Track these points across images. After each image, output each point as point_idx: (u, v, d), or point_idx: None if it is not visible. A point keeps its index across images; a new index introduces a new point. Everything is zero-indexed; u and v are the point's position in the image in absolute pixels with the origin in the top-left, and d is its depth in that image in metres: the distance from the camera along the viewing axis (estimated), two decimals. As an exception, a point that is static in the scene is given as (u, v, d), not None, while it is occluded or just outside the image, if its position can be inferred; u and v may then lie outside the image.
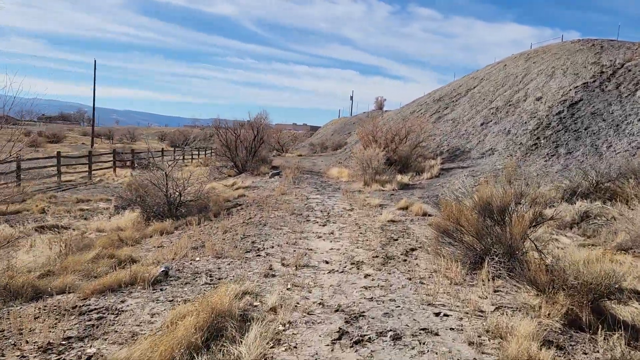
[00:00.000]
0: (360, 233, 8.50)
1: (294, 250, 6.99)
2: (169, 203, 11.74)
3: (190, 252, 6.98)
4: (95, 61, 53.89)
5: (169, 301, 4.66)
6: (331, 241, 7.81)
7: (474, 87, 24.20)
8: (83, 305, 4.59)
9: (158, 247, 8.39)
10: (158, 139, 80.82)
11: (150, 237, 9.64)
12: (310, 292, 5.07)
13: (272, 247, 7.22)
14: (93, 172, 24.60)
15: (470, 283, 5.56)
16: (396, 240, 8.01)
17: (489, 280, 5.44)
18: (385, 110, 50.88)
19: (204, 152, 46.01)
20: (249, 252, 6.88)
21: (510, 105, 19.99)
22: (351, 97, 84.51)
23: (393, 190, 14.69)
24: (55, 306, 4.57)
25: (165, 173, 12.01)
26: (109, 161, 28.07)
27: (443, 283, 5.52)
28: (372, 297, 4.95)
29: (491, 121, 19.69)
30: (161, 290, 5.01)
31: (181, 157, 38.68)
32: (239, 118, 21.83)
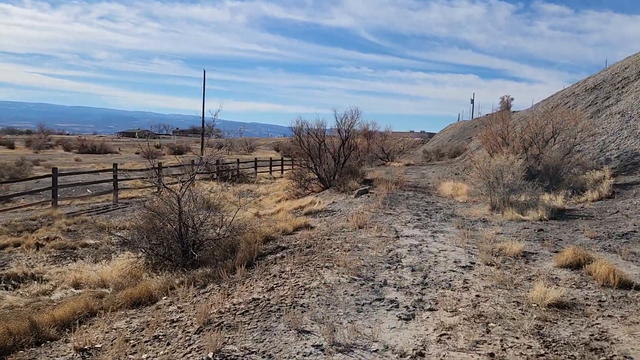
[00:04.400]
0: (491, 355, 3.57)
1: None
2: (183, 243, 7.68)
3: None
4: (204, 72, 53.65)
5: None
6: (413, 398, 3.02)
7: (650, 68, 17.39)
8: None
9: (82, 349, 4.35)
10: (274, 149, 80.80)
11: (115, 310, 5.69)
12: None
13: None
14: (171, 185, 21.95)
15: None
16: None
17: None
18: (513, 111, 43.65)
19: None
20: None
21: None
22: (472, 100, 76.52)
23: (540, 220, 9.24)
24: None
25: (178, 196, 7.97)
26: (196, 173, 25.46)
27: None
28: None
29: (689, 112, 13.15)
30: None
31: (279, 168, 35.43)
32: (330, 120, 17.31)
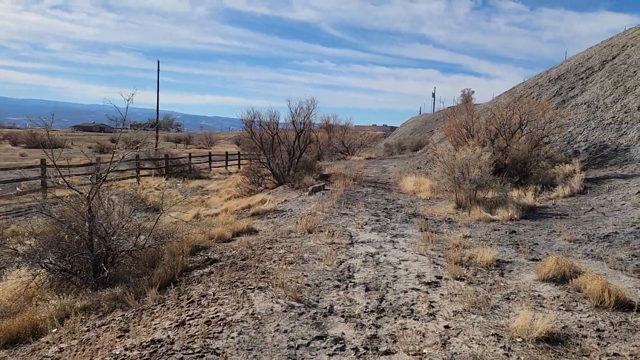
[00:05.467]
0: None
1: None
2: (94, 257, 6.32)
3: None
4: (158, 62, 51.49)
5: None
6: None
7: (614, 58, 16.86)
8: None
9: None
10: (235, 143, 79.09)
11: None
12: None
13: None
14: (114, 182, 20.18)
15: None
16: None
17: None
18: (475, 104, 43.40)
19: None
20: None
21: (687, 76, 12.73)
22: (433, 94, 76.67)
23: (511, 220, 8.31)
24: None
25: (89, 197, 6.59)
26: (142, 168, 23.66)
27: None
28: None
29: (656, 102, 12.56)
30: None
31: (237, 162, 33.88)
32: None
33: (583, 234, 6.98)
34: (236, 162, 33.88)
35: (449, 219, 8.76)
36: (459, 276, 5.18)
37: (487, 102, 32.43)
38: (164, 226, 7.20)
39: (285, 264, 5.58)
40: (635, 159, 10.79)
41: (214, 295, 4.64)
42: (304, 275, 5.13)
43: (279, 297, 4.44)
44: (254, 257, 6.02)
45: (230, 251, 6.53)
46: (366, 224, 8.14)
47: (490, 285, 4.96)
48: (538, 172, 11.16)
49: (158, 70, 51.19)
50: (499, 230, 7.64)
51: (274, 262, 5.72)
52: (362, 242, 6.82)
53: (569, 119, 14.23)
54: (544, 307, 4.33)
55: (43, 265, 6.29)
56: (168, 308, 4.53)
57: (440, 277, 5.19)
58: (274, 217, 9.45)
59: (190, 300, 4.61)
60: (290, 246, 6.48)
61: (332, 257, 5.82)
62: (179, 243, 6.57)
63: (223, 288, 4.83)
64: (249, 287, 4.77)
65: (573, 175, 10.69)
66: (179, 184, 21.08)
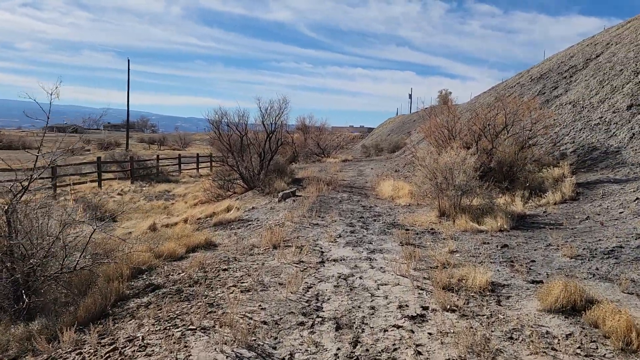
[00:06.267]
0: None
1: None
2: (13, 281, 5.25)
3: None
4: (129, 61, 49.97)
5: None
6: None
7: (598, 56, 16.35)
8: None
9: None
10: (210, 144, 77.38)
11: None
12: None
13: None
14: (74, 186, 18.84)
15: None
16: None
17: None
18: (453, 104, 42.91)
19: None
20: None
21: (675, 74, 12.16)
22: (410, 95, 76.29)
23: (501, 230, 7.48)
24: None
25: (7, 210, 5.49)
26: (106, 171, 22.31)
27: None
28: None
29: (645, 102, 11.95)
30: None
31: (208, 165, 32.65)
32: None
33: (584, 249, 6.17)
34: (208, 164, 32.68)
35: (431, 229, 7.90)
36: (449, 306, 4.30)
37: (465, 102, 31.97)
38: (103, 242, 6.15)
39: (242, 291, 4.62)
40: (628, 161, 10.11)
41: (143, 339, 3.64)
42: (262, 309, 4.17)
43: (225, 343, 3.48)
44: (204, 282, 5.03)
45: (179, 273, 5.52)
46: (340, 236, 7.22)
47: (488, 318, 4.09)
48: (525, 176, 10.41)
49: (128, 68, 49.66)
50: (488, 243, 6.79)
51: (228, 288, 4.75)
52: (334, 260, 5.89)
53: (554, 120, 13.57)
54: (556, 350, 3.47)
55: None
56: (84, 357, 3.53)
57: (426, 308, 4.29)
58: (238, 228, 8.46)
59: (112, 346, 3.61)
60: (249, 267, 5.52)
61: (297, 282, 4.87)
62: (117, 264, 5.53)
63: (158, 328, 3.84)
64: (190, 327, 3.80)
65: (563, 179, 9.95)
66: (144, 188, 19.86)
